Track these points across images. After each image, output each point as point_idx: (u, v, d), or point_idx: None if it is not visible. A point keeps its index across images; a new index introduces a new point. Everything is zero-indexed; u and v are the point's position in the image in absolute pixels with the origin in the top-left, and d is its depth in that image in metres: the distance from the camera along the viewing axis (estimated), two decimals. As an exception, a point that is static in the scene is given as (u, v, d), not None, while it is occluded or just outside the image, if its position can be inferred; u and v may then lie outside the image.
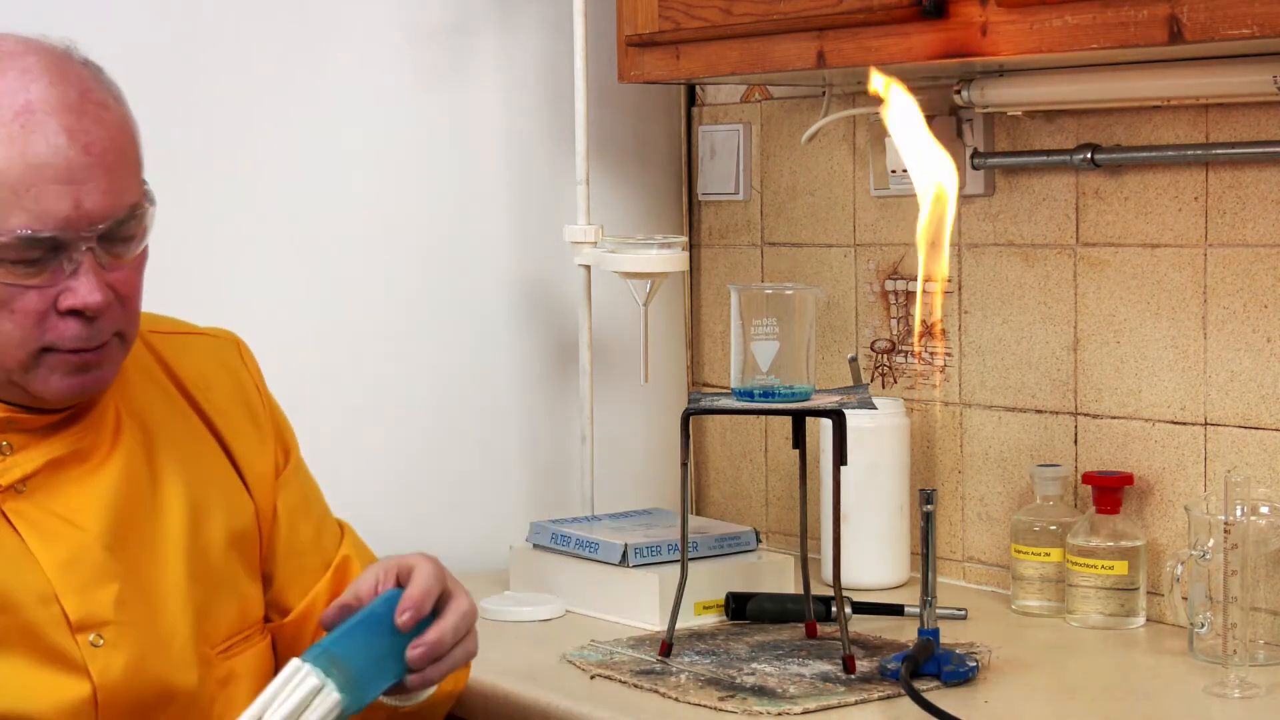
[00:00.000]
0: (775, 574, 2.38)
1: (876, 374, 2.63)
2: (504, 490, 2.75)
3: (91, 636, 1.68)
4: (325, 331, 2.61)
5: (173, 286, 2.22)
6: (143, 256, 1.73)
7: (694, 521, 2.47)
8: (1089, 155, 2.31)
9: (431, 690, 1.79)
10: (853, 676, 2.02)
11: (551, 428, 2.78)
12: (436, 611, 1.75)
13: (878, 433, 2.48)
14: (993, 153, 2.45)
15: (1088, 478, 2.30)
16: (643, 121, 2.87)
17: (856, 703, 1.95)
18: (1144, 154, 2.28)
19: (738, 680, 2.02)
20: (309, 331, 2.59)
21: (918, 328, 2.54)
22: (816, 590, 2.33)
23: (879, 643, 2.19)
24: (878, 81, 2.03)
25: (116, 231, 1.67)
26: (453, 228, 2.70)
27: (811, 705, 1.93)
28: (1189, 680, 2.03)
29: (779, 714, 1.90)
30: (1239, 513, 1.98)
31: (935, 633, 2.03)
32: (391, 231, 2.65)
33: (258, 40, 2.54)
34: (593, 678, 2.07)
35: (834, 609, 2.24)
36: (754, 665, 2.08)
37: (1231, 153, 2.19)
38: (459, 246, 2.70)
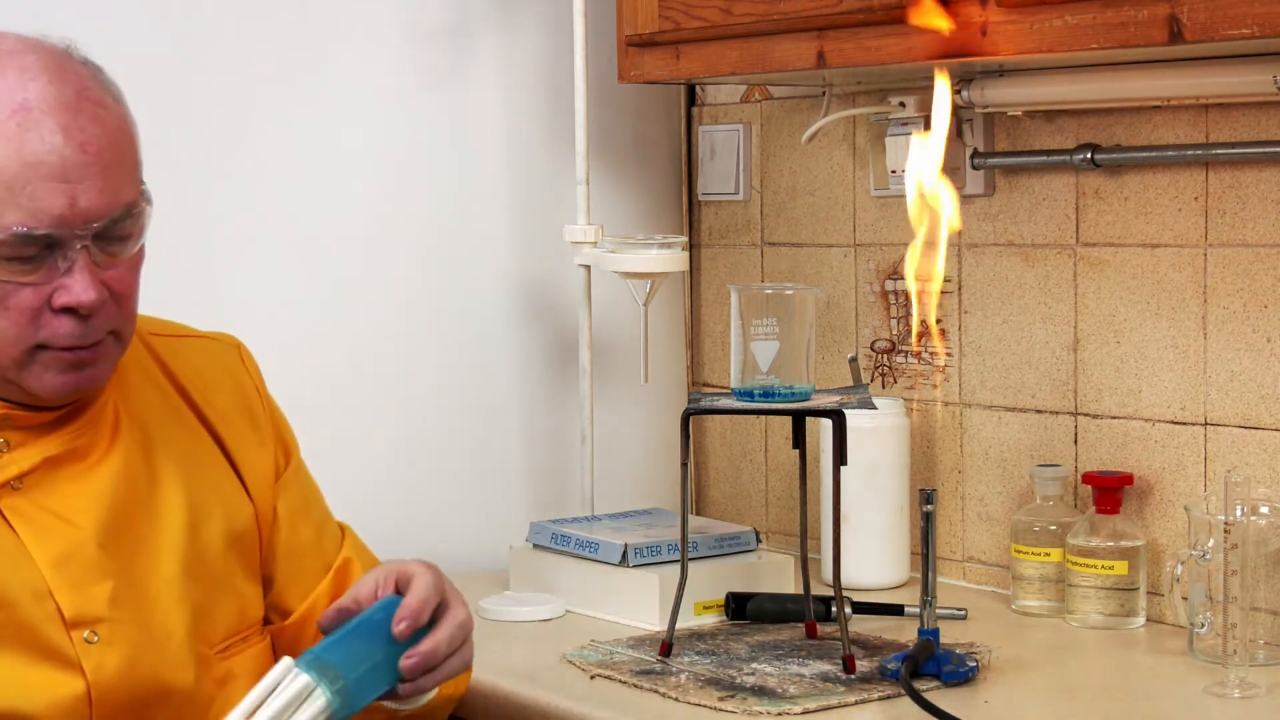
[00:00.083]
0: (775, 574, 2.38)
1: (876, 374, 2.63)
2: (504, 490, 2.75)
3: (86, 633, 1.69)
4: (325, 331, 2.61)
5: (172, 286, 2.23)
6: (139, 256, 1.73)
7: (694, 521, 2.47)
8: (1089, 155, 2.31)
9: (430, 696, 1.79)
10: (853, 676, 2.02)
11: (551, 428, 2.78)
12: (434, 620, 1.75)
13: (878, 433, 2.48)
14: (993, 153, 2.45)
15: (1088, 478, 2.30)
16: (643, 121, 2.87)
17: (856, 703, 1.95)
18: (1144, 154, 2.28)
19: (738, 680, 2.02)
20: (309, 331, 2.59)
21: (916, 327, 2.54)
22: (816, 590, 2.33)
23: (879, 643, 2.19)
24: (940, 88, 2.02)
25: (112, 230, 1.68)
26: (453, 228, 2.70)
27: (811, 705, 1.93)
28: (1189, 680, 2.03)
29: (779, 714, 1.90)
30: (1239, 513, 1.98)
31: (935, 633, 2.03)
32: (391, 231, 2.65)
33: (257, 40, 2.54)
34: (593, 678, 2.07)
35: (834, 609, 2.24)
36: (754, 665, 2.08)
37: (1231, 153, 2.19)
38: (459, 246, 2.70)
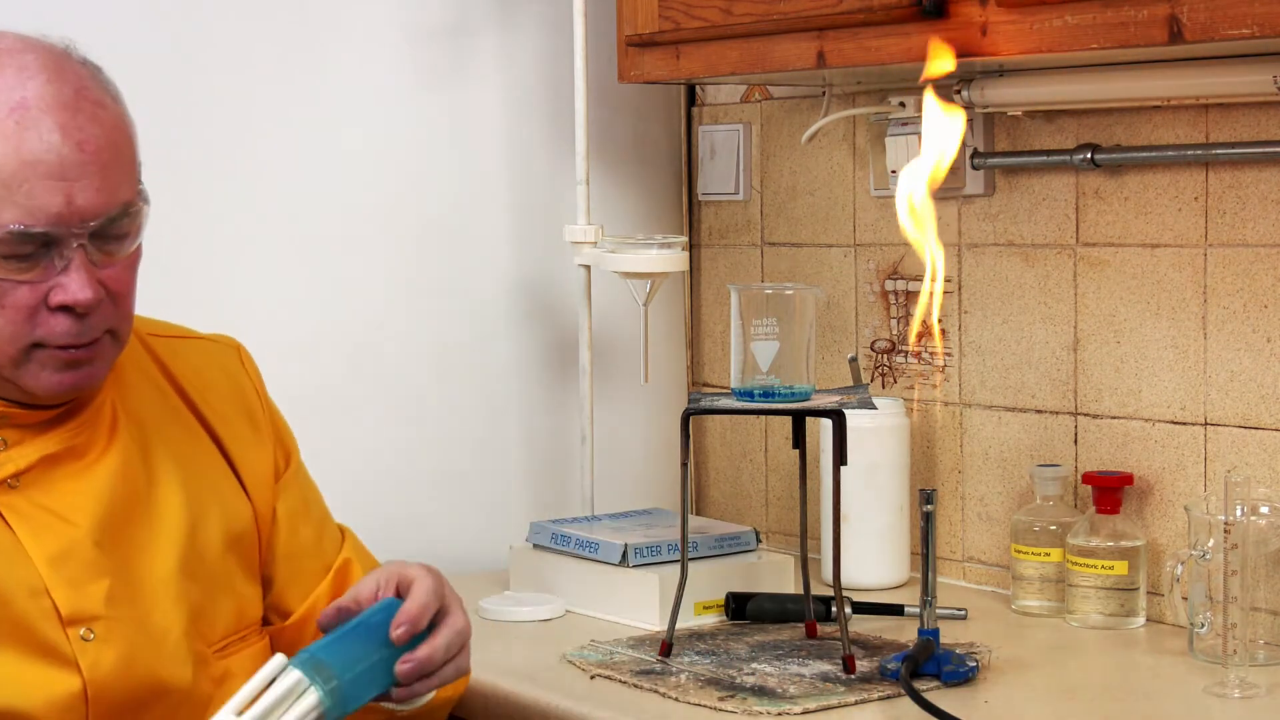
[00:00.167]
0: (775, 574, 2.38)
1: (876, 374, 2.63)
2: (504, 490, 2.75)
3: (82, 631, 1.69)
4: (325, 331, 2.61)
5: (172, 286, 2.23)
6: (136, 255, 1.74)
7: (694, 521, 2.47)
8: (1089, 155, 2.31)
9: (425, 700, 1.79)
10: (853, 676, 2.02)
11: (551, 428, 2.78)
12: (433, 625, 1.75)
13: (878, 433, 2.48)
14: (993, 153, 2.45)
15: (1088, 478, 2.30)
16: (643, 121, 2.87)
17: (856, 703, 1.95)
18: (1144, 154, 2.28)
19: (738, 680, 2.02)
20: (309, 331, 2.59)
21: (916, 326, 2.54)
22: (816, 590, 2.33)
23: (879, 643, 2.19)
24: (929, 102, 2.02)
25: (109, 229, 1.68)
26: (453, 228, 2.70)
27: (811, 705, 1.93)
28: (1189, 680, 2.03)
29: (779, 714, 1.90)
30: (1239, 513, 1.98)
31: (935, 633, 2.03)
32: (391, 231, 2.65)
33: (257, 40, 2.54)
34: (593, 678, 2.07)
35: (834, 609, 2.24)
36: (754, 665, 2.08)
37: (1231, 153, 2.19)
38: (459, 246, 2.70)
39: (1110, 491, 2.27)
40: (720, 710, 1.92)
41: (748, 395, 2.10)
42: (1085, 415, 2.38)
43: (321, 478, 2.05)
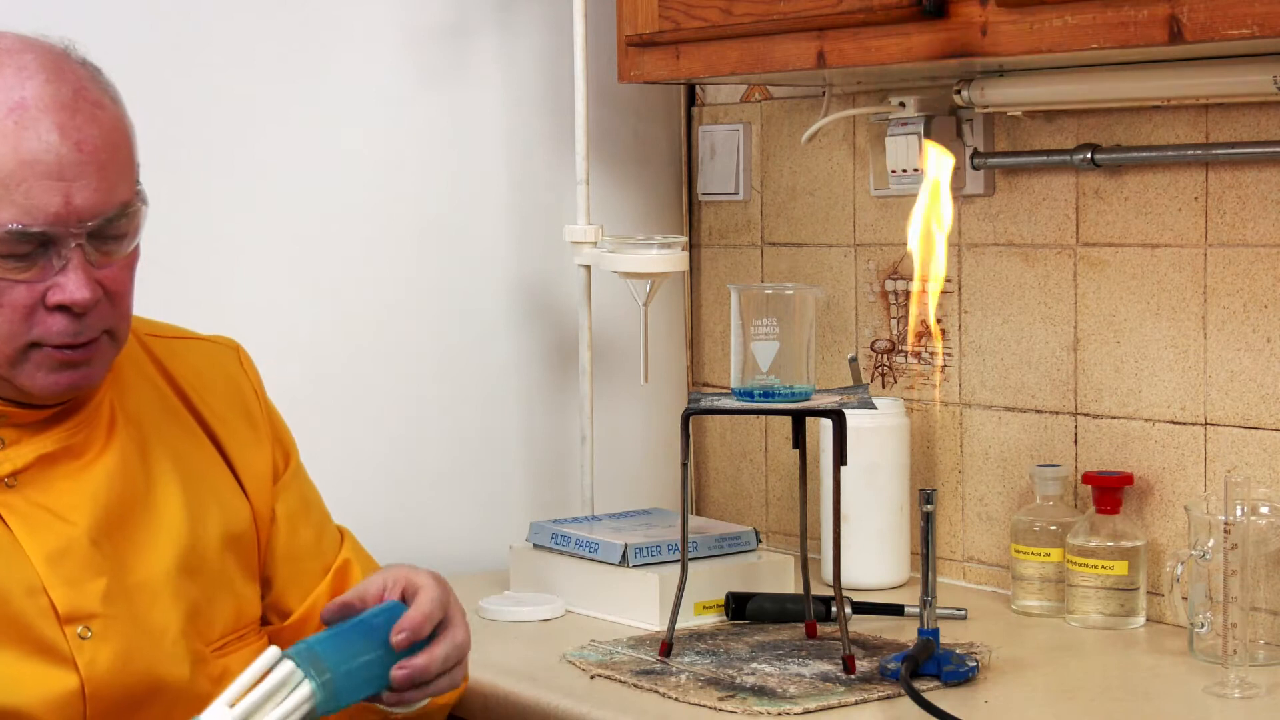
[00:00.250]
0: (775, 574, 2.38)
1: (876, 374, 2.63)
2: (504, 490, 2.75)
3: (79, 629, 1.69)
4: (325, 331, 2.61)
5: (172, 286, 2.23)
6: (134, 255, 1.74)
7: (694, 521, 2.47)
8: (1089, 155, 2.31)
9: (417, 706, 1.79)
10: (853, 676, 2.02)
11: (551, 428, 2.78)
12: (433, 635, 1.75)
13: (878, 433, 2.48)
14: (993, 153, 2.45)
15: (1088, 478, 2.30)
16: (643, 121, 2.87)
17: (856, 703, 1.95)
18: (1144, 154, 2.28)
19: (738, 680, 2.02)
20: (309, 331, 2.59)
21: (914, 326, 2.54)
22: (816, 590, 2.33)
23: (879, 643, 2.19)
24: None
25: (106, 229, 1.68)
26: (453, 228, 2.70)
27: (811, 705, 1.93)
28: (1189, 680, 2.03)
29: (779, 714, 1.90)
30: (1239, 513, 1.98)
31: (935, 633, 2.03)
32: (391, 231, 2.65)
33: (257, 40, 2.54)
34: (593, 678, 2.07)
35: (834, 609, 2.24)
36: (754, 665, 2.08)
37: (1231, 153, 2.19)
38: (459, 246, 2.70)
39: (1110, 491, 2.27)
40: (720, 710, 1.92)
41: (748, 395, 2.10)
42: (1085, 415, 2.38)
43: (321, 478, 2.05)
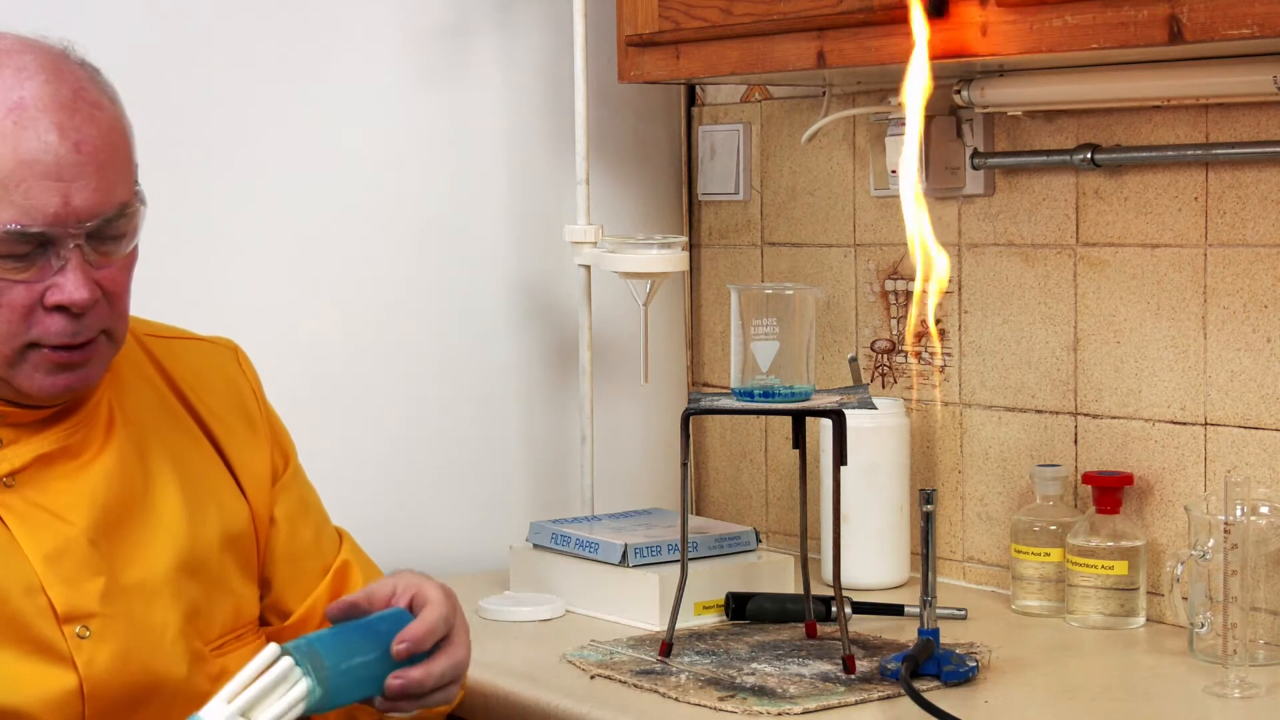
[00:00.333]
0: (775, 574, 2.38)
1: (876, 374, 2.63)
2: (504, 490, 2.75)
3: (78, 628, 1.70)
4: (325, 331, 2.61)
5: (172, 286, 2.23)
6: (132, 256, 1.74)
7: (694, 521, 2.47)
8: (1089, 155, 2.31)
9: (410, 714, 1.79)
10: (853, 676, 2.02)
11: (551, 428, 2.78)
12: (433, 649, 1.75)
13: (878, 433, 2.48)
14: (993, 153, 2.45)
15: (1088, 478, 2.30)
16: (643, 121, 2.87)
17: (856, 703, 1.95)
18: (1144, 154, 2.28)
19: (738, 680, 2.02)
20: (309, 331, 2.59)
21: (913, 327, 2.54)
22: (816, 590, 2.33)
23: (879, 643, 2.19)
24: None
25: (105, 230, 1.68)
26: (453, 228, 2.70)
27: (811, 705, 1.93)
28: (1189, 680, 2.03)
29: (779, 714, 1.90)
30: (1239, 513, 1.98)
31: (935, 633, 2.03)
32: (391, 231, 2.65)
33: (257, 40, 2.54)
34: (593, 678, 2.07)
35: (834, 609, 2.24)
36: (754, 665, 2.08)
37: (1231, 153, 2.19)
38: (459, 246, 2.70)
39: (1110, 491, 2.27)
40: (720, 710, 1.92)
41: (748, 395, 2.10)
42: (1085, 415, 2.38)
43: (321, 478, 2.05)
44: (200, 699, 1.75)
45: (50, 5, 2.16)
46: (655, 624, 2.27)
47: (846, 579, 2.19)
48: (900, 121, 2.49)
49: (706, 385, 2.91)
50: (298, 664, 1.64)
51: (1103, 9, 1.95)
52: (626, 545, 2.33)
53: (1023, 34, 2.02)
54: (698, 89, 2.91)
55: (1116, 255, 2.34)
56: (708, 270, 2.90)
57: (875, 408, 2.18)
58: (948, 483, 2.55)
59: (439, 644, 1.74)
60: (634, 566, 2.32)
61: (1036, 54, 2.03)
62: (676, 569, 2.17)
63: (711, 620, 2.31)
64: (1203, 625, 2.06)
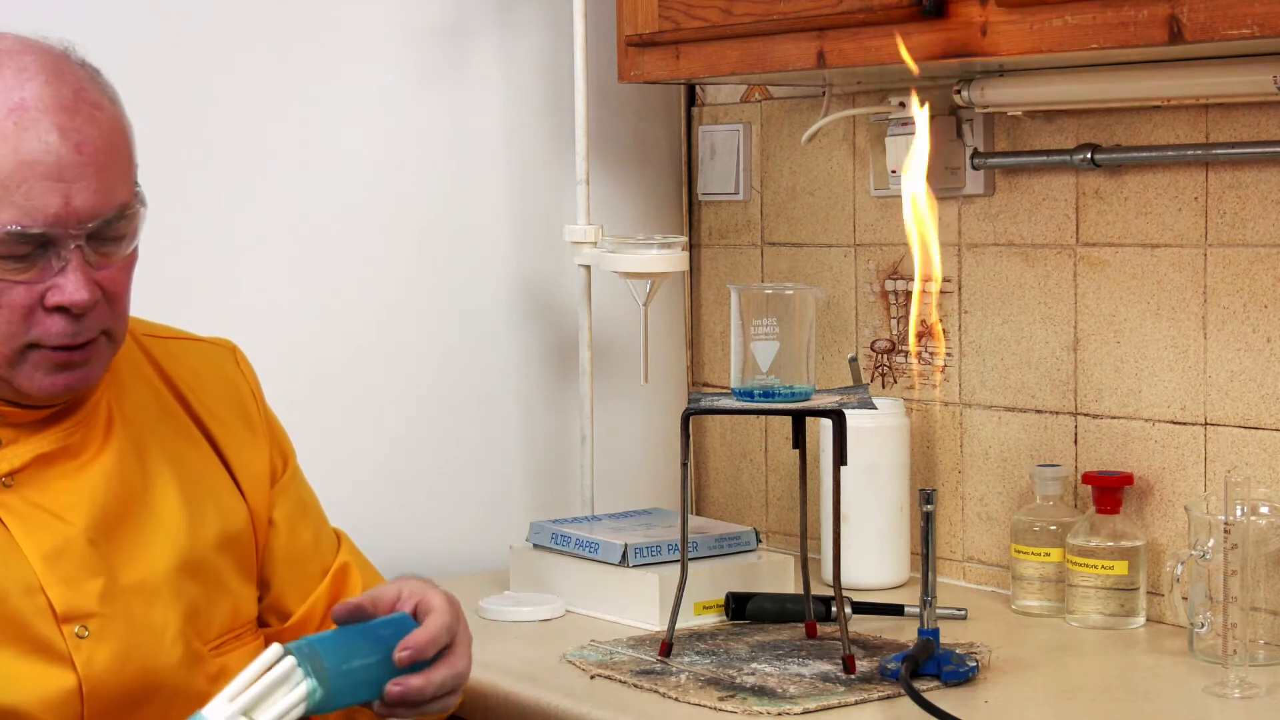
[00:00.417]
0: (775, 574, 2.38)
1: (876, 374, 2.63)
2: (504, 490, 2.75)
3: (76, 628, 1.70)
4: (325, 331, 2.61)
5: (171, 286, 2.23)
6: (132, 256, 1.74)
7: (694, 521, 2.47)
8: (1089, 155, 2.31)
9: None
10: (853, 676, 2.02)
11: (551, 428, 2.78)
12: (435, 657, 1.75)
13: (878, 433, 2.48)
14: (993, 153, 2.45)
15: (1088, 478, 2.30)
16: (643, 121, 2.87)
17: (856, 703, 1.95)
18: (1144, 154, 2.28)
19: (738, 680, 2.02)
20: (309, 332, 2.59)
21: (914, 327, 2.54)
22: (816, 590, 2.33)
23: (879, 643, 2.19)
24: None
25: (106, 230, 1.69)
26: (453, 228, 2.70)
27: (811, 705, 1.93)
28: (1189, 680, 2.03)
29: (779, 714, 1.90)
30: (1239, 513, 1.98)
31: (935, 633, 2.03)
32: (391, 231, 2.65)
33: (257, 40, 2.54)
34: (593, 678, 2.07)
35: (834, 609, 2.24)
36: (754, 665, 2.08)
37: (1231, 153, 2.19)
38: (459, 247, 2.70)
39: (1110, 491, 2.27)
40: (720, 710, 1.92)
41: (748, 395, 2.10)
42: (1085, 415, 2.38)
43: (322, 478, 2.05)
44: (199, 699, 1.75)
45: (50, 6, 2.16)
46: (655, 624, 2.27)
47: (846, 579, 2.19)
48: (900, 121, 2.49)
49: (706, 385, 2.91)
50: (300, 665, 1.64)
51: (1103, 9, 1.95)
52: (626, 545, 2.33)
53: (1023, 34, 2.02)
54: (698, 89, 2.91)
55: (1116, 255, 2.34)
56: (708, 270, 2.90)
57: (875, 408, 2.18)
58: (948, 483, 2.55)
59: (441, 652, 1.74)
60: (634, 566, 2.32)
61: (1036, 54, 2.03)
62: (676, 569, 2.17)
63: (711, 620, 2.31)
64: (1203, 625, 2.06)
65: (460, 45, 2.69)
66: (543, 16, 2.73)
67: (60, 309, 1.68)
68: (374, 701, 1.72)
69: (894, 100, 2.52)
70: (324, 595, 1.93)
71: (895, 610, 2.32)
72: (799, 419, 2.19)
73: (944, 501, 2.54)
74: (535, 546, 2.48)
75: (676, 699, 1.97)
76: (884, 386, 2.62)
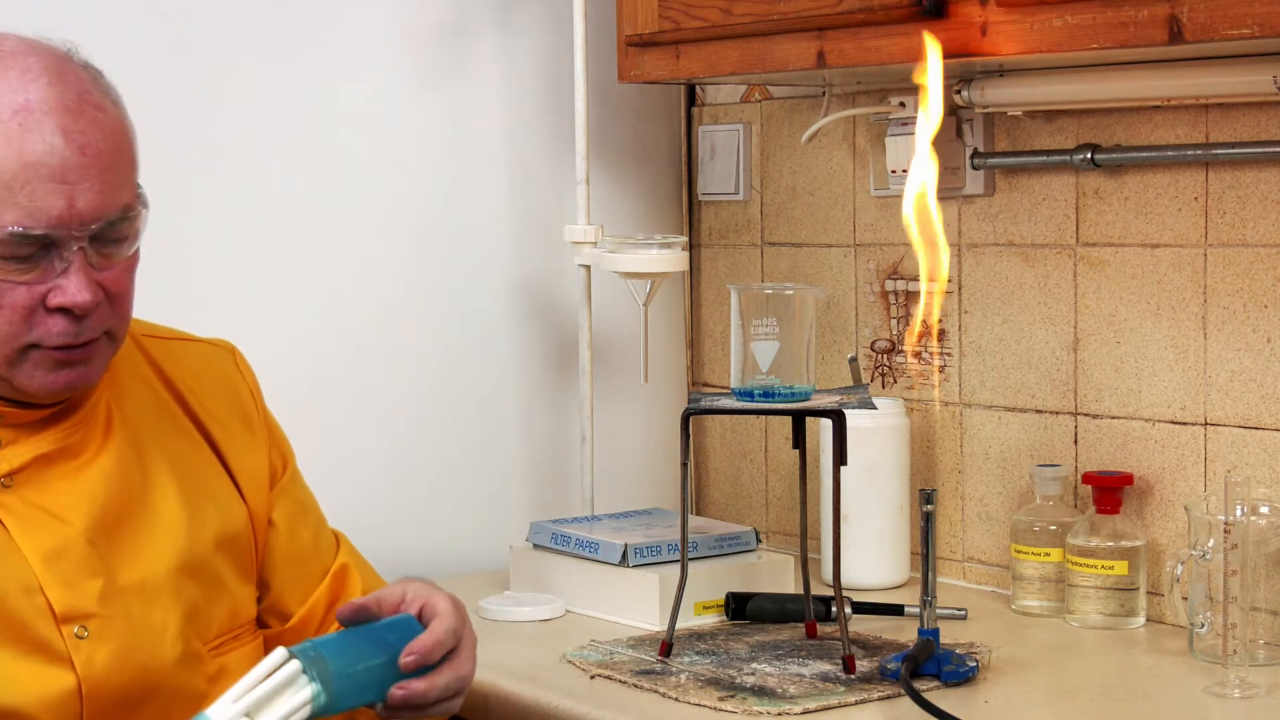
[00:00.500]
0: (775, 574, 2.38)
1: (876, 374, 2.63)
2: (504, 490, 2.75)
3: (76, 629, 1.70)
4: (325, 332, 2.61)
5: (171, 286, 2.23)
6: (134, 257, 1.75)
7: (694, 521, 2.47)
8: (1089, 155, 2.31)
9: None
10: (853, 676, 2.02)
11: (551, 428, 2.78)
12: (439, 661, 1.74)
13: (878, 433, 2.48)
14: (993, 153, 2.45)
15: (1088, 478, 2.31)
16: (643, 121, 2.87)
17: (856, 703, 1.95)
18: (1144, 154, 2.28)
19: (738, 680, 2.02)
20: (309, 332, 2.59)
21: (916, 327, 2.54)
22: (816, 590, 2.33)
23: (879, 643, 2.19)
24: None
25: (108, 232, 1.69)
26: (453, 228, 2.70)
27: (811, 705, 1.93)
28: (1189, 680, 2.03)
29: (779, 714, 1.90)
30: (1239, 513, 1.98)
31: (935, 633, 2.03)
32: (391, 232, 2.65)
33: (257, 41, 2.54)
34: (593, 678, 2.07)
35: (834, 609, 2.24)
36: (754, 665, 2.08)
37: (1231, 153, 2.19)
38: (459, 247, 2.70)
39: (1110, 491, 2.28)
40: (720, 710, 1.92)
41: (748, 395, 2.10)
42: (1085, 415, 2.38)
43: (322, 478, 2.05)
44: (198, 699, 1.75)
45: (52, 6, 2.16)
46: (655, 624, 2.27)
47: (846, 579, 2.19)
48: (900, 121, 2.49)
49: (706, 385, 2.91)
50: (304, 669, 1.64)
51: (1103, 9, 1.95)
52: (626, 545, 2.33)
53: (1023, 34, 2.02)
54: (698, 89, 2.91)
55: (1116, 255, 2.34)
56: (708, 270, 2.90)
57: (875, 408, 2.18)
58: (948, 483, 2.55)
59: (445, 656, 1.74)
60: (634, 566, 2.33)
61: (1036, 54, 2.03)
62: (676, 569, 2.17)
63: (711, 620, 2.32)
64: (1203, 625, 2.06)
65: (460, 45, 2.69)
66: (543, 16, 2.74)
67: (62, 310, 1.68)
68: (376, 704, 1.72)
69: (894, 100, 2.52)
70: (324, 596, 1.93)
71: (895, 610, 2.32)
72: (799, 419, 2.19)
73: (944, 501, 2.55)
74: (535, 546, 2.48)
75: (676, 699, 1.97)
76: (884, 386, 2.62)
